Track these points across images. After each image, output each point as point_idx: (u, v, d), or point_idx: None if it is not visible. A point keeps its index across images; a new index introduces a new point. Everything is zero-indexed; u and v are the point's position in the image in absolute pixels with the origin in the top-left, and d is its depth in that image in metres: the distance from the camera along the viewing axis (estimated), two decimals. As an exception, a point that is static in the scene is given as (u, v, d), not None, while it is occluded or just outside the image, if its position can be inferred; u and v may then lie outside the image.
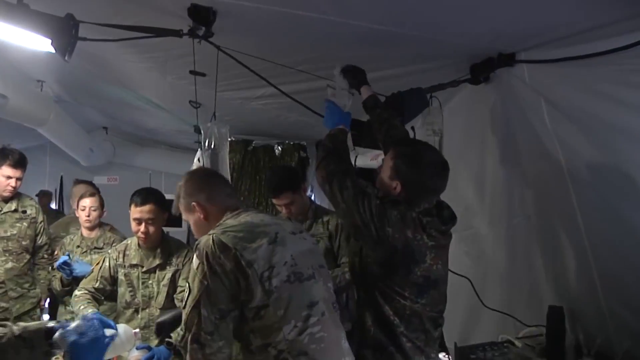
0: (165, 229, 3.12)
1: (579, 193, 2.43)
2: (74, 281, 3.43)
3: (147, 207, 2.84)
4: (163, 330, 2.48)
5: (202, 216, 1.98)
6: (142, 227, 2.86)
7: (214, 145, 2.66)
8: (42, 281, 3.99)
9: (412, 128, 2.83)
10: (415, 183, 2.12)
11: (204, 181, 2.04)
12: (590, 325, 2.57)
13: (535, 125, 2.54)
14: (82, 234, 3.92)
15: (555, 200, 2.63)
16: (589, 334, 2.52)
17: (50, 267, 3.91)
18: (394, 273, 2.09)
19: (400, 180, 2.13)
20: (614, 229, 2.31)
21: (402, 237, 2.04)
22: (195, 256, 1.74)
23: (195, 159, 3.03)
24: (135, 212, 2.88)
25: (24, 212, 3.88)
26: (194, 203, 1.98)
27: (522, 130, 2.69)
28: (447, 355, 2.79)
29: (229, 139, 2.86)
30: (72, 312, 2.89)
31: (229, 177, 2.74)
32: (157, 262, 2.93)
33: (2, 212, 3.77)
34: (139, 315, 2.91)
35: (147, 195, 2.89)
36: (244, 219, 1.88)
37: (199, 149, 2.86)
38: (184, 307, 1.76)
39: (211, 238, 1.73)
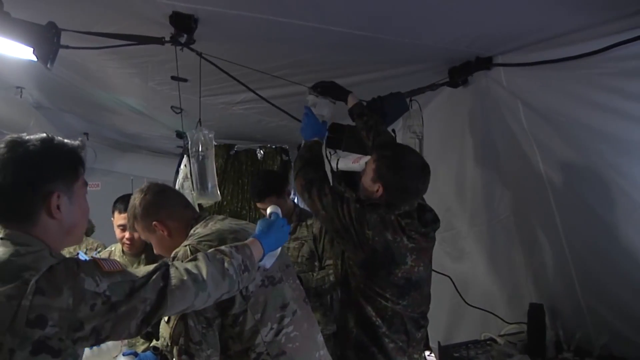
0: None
1: (556, 193, 2.48)
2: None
3: (130, 214, 2.83)
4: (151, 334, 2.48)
5: (165, 234, 1.94)
6: (127, 234, 2.86)
7: (200, 151, 2.66)
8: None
9: (393, 131, 2.87)
10: (396, 185, 2.15)
11: (159, 198, 1.98)
12: (569, 322, 2.62)
13: (513, 126, 2.59)
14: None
15: (533, 200, 2.68)
16: (569, 330, 2.57)
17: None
18: (374, 274, 2.12)
19: (381, 183, 2.17)
20: (590, 228, 2.36)
21: (381, 239, 2.08)
22: None
23: (182, 165, 3.02)
24: (119, 219, 2.88)
25: None
26: (155, 222, 1.93)
27: (500, 132, 2.74)
28: (431, 354, 2.83)
29: (212, 144, 2.87)
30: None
31: (216, 182, 2.75)
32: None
33: None
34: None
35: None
36: (215, 227, 1.87)
37: (184, 156, 2.85)
38: (168, 321, 1.76)
39: (188, 249, 1.73)
